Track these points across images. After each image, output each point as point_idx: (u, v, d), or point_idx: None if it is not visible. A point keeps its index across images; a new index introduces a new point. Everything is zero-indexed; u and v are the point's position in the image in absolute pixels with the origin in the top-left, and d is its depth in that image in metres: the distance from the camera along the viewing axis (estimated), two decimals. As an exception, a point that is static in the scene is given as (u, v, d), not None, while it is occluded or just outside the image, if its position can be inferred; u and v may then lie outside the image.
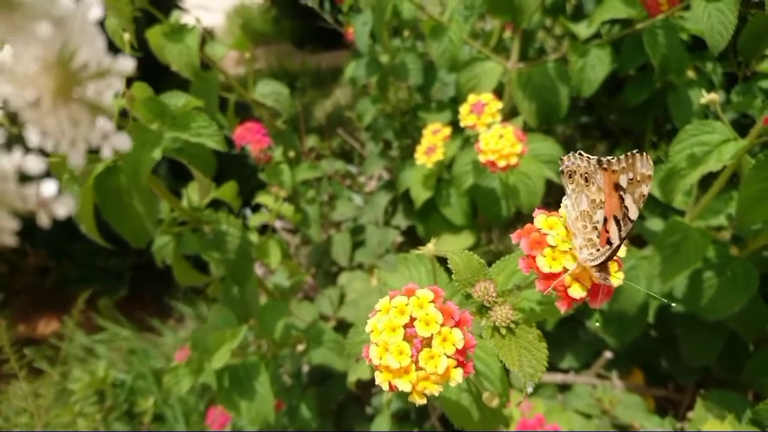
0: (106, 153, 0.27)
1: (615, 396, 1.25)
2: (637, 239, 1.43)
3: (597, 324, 1.32)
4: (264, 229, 1.45)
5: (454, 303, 0.63)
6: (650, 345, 1.40)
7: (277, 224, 1.93)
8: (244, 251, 1.14)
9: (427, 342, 0.46)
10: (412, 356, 0.45)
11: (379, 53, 1.61)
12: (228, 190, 1.26)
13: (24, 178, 0.25)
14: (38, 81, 0.24)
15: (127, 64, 0.26)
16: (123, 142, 0.27)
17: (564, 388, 1.36)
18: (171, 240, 1.18)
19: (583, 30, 1.41)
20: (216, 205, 1.22)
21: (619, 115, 1.71)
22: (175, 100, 0.96)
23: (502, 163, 0.97)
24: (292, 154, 1.53)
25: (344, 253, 1.66)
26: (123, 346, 2.27)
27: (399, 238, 1.64)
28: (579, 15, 1.60)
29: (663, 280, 1.08)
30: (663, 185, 0.99)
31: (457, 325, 0.47)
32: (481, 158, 0.99)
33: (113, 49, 0.28)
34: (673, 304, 1.20)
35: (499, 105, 1.07)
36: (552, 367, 1.41)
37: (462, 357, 0.46)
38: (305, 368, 1.67)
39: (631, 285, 1.21)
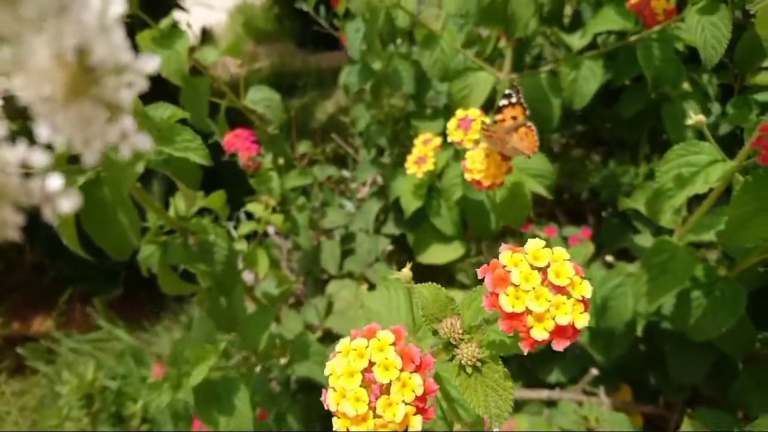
0: (125, 152, 0.26)
1: (601, 413, 1.24)
2: (625, 253, 1.42)
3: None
4: (253, 236, 1.44)
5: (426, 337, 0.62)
6: (639, 361, 1.38)
7: (270, 229, 1.92)
8: (230, 262, 1.13)
9: (386, 388, 0.45)
10: (369, 403, 0.44)
11: (372, 60, 1.59)
12: (216, 199, 1.25)
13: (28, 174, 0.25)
14: (52, 75, 0.24)
15: (149, 63, 0.25)
16: (144, 141, 0.26)
17: (550, 404, 1.35)
18: (157, 249, 1.17)
19: (576, 41, 1.39)
20: (205, 210, 1.21)
21: (614, 126, 1.69)
22: (161, 111, 0.94)
23: (487, 183, 0.96)
24: (281, 161, 1.51)
25: (333, 261, 1.65)
26: (116, 347, 2.27)
27: (389, 247, 1.63)
28: (577, 24, 1.58)
29: (650, 300, 1.07)
30: (650, 205, 0.98)
31: (418, 369, 0.46)
32: (467, 176, 0.97)
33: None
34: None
35: (487, 121, 1.05)
36: (538, 383, 1.39)
37: (422, 403, 0.45)
38: (294, 376, 1.66)
39: (618, 302, 1.20)
